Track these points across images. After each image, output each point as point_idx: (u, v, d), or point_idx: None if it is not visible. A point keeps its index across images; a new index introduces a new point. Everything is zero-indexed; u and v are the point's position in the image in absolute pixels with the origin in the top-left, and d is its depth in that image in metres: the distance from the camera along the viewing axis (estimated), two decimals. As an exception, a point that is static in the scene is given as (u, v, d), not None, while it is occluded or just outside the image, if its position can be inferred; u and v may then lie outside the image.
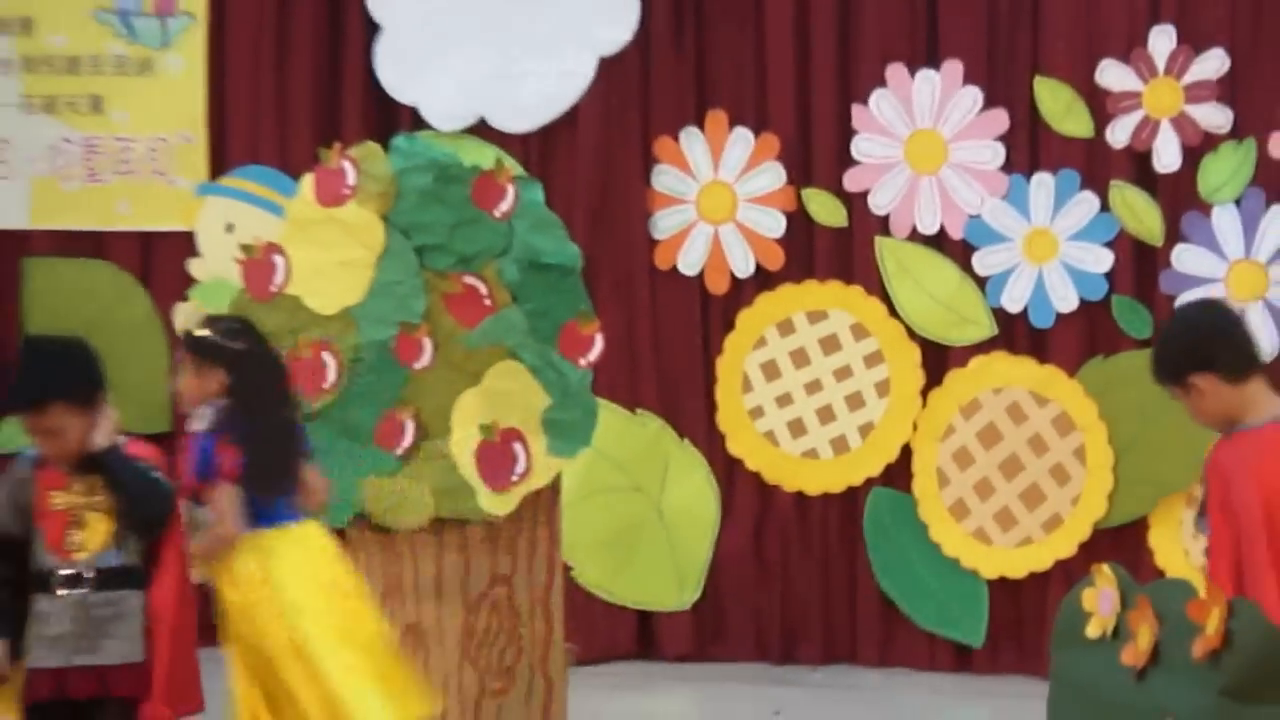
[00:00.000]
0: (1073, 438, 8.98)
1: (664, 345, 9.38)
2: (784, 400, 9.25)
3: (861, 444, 9.17)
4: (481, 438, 5.59)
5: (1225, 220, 8.78)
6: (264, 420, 5.49)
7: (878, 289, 9.14)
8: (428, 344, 5.61)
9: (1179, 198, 8.84)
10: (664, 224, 9.36)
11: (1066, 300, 8.95)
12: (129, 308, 9.49)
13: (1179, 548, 8.73)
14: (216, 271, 9.29)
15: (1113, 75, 8.88)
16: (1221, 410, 5.10)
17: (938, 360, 9.12)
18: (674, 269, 9.34)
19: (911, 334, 9.12)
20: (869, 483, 9.17)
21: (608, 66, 9.28)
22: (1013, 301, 9.00)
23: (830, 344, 9.21)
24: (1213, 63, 8.79)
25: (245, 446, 5.46)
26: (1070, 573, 8.41)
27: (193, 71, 9.58)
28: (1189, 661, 4.20)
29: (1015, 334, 9.05)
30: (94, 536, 5.23)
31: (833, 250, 9.21)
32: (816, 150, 9.22)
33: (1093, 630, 4.56)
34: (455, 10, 9.36)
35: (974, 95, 9.03)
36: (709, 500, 9.33)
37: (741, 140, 9.24)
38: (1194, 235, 8.81)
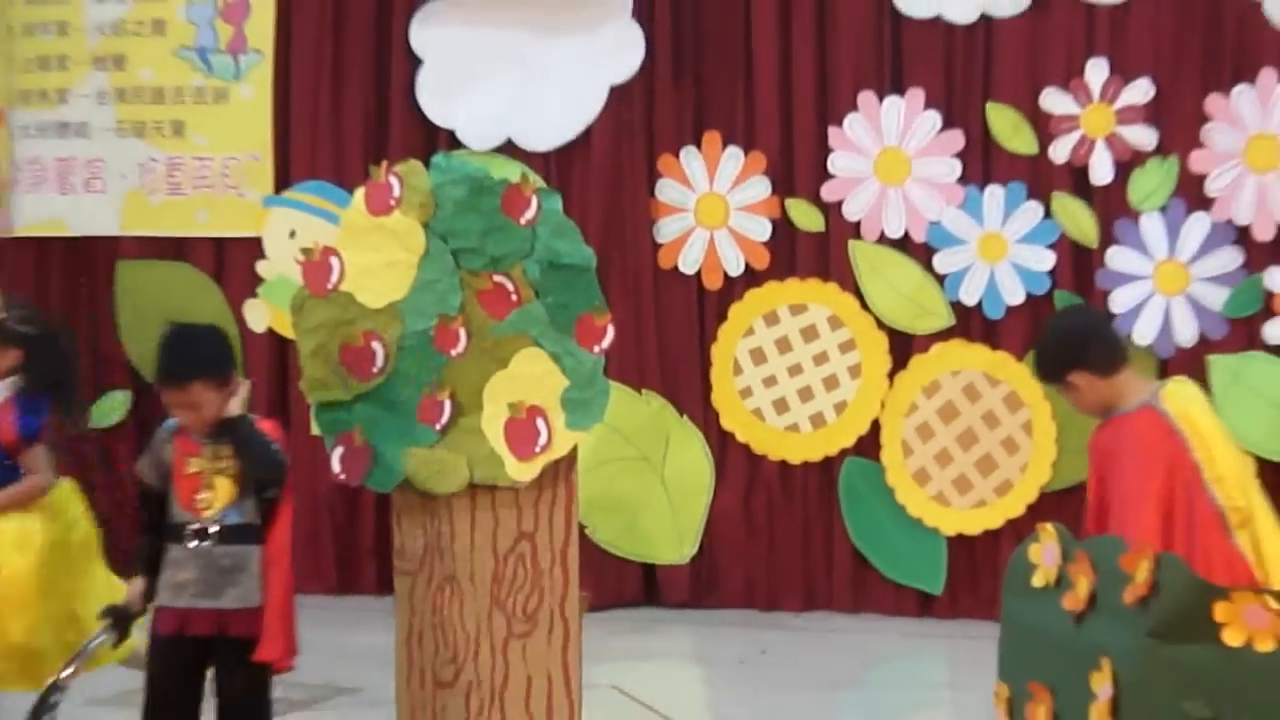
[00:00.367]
0: (1021, 414, 8.95)
1: (666, 334, 9.37)
2: (770, 381, 9.23)
3: (837, 419, 9.15)
4: (509, 415, 5.56)
5: (1152, 226, 8.76)
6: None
7: (851, 285, 9.13)
8: (463, 334, 5.57)
9: (1112, 206, 8.82)
10: (666, 230, 9.34)
11: (1015, 294, 8.93)
12: (205, 303, 9.47)
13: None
14: (281, 271, 9.29)
15: (1054, 101, 8.86)
16: (1098, 400, 5.10)
17: (903, 347, 9.11)
18: (675, 268, 9.32)
19: (880, 324, 9.10)
20: (843, 453, 9.16)
21: (617, 94, 9.26)
22: (968, 295, 8.98)
23: (810, 333, 9.19)
24: (1141, 90, 8.76)
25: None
26: (1019, 530, 8.38)
27: (261, 100, 9.58)
28: (1121, 607, 4.18)
29: (971, 324, 9.03)
30: (220, 497, 5.20)
31: (812, 252, 9.20)
32: (798, 165, 9.21)
33: (1038, 580, 4.54)
34: (486, 46, 9.35)
35: (934, 118, 9.00)
36: (704, 468, 9.31)
37: (733, 157, 9.22)
38: (1125, 238, 8.79)
